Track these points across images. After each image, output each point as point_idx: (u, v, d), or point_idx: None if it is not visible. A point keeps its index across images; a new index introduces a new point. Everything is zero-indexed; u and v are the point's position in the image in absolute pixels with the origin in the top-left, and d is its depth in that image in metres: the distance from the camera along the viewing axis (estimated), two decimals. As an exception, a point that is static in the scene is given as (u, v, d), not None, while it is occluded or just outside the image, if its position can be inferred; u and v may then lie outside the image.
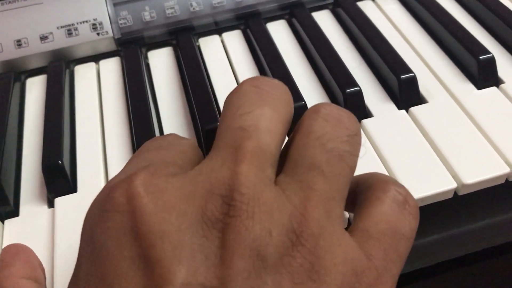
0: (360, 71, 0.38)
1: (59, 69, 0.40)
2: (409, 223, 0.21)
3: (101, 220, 0.18)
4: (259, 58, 0.40)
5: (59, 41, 0.41)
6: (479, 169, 0.30)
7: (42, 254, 0.28)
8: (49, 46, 0.41)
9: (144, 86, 0.37)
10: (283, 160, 0.21)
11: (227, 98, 0.22)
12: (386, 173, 0.30)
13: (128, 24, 0.42)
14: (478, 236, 0.32)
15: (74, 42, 0.41)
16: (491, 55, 0.36)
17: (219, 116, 0.34)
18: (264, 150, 0.19)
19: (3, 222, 0.31)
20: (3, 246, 0.29)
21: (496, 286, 0.38)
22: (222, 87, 0.38)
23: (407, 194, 0.21)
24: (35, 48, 0.41)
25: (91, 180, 0.32)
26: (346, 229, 0.20)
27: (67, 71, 0.41)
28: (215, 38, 0.43)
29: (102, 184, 0.32)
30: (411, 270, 0.31)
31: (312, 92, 0.37)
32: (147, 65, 0.42)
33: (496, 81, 0.36)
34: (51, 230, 0.30)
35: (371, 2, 0.45)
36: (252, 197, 0.18)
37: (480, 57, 0.36)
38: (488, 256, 0.34)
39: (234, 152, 0.19)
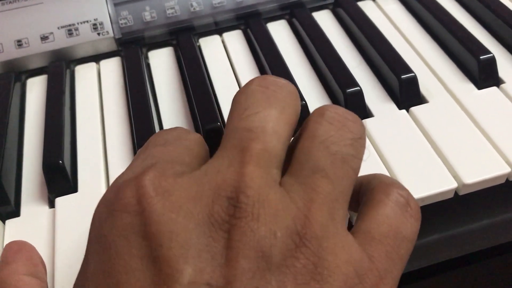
0: (360, 71, 0.38)
1: (59, 69, 0.40)
2: (411, 226, 0.21)
3: (110, 219, 0.19)
4: (259, 58, 0.40)
5: (60, 41, 0.41)
6: (479, 169, 0.30)
7: (42, 254, 0.28)
8: (49, 46, 0.41)
9: (144, 86, 0.37)
10: (288, 160, 0.21)
11: (234, 97, 0.22)
12: (387, 173, 0.30)
13: (128, 24, 0.42)
14: (479, 236, 0.32)
15: (74, 42, 0.41)
16: (491, 55, 0.36)
17: (220, 116, 0.34)
18: (270, 152, 0.20)
19: (4, 223, 0.31)
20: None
21: (496, 286, 0.38)
22: (223, 87, 0.38)
23: (409, 197, 0.22)
24: (35, 48, 0.41)
25: (91, 180, 0.32)
26: (348, 230, 0.20)
27: (68, 71, 0.41)
28: (215, 38, 0.43)
29: (102, 184, 0.32)
30: (411, 270, 0.31)
31: (312, 92, 0.37)
32: (148, 65, 0.42)
33: (496, 81, 0.36)
34: (52, 230, 0.30)
35: (372, 2, 0.45)
36: (257, 199, 0.18)
37: (481, 57, 0.36)
38: (488, 256, 0.34)
39: (240, 153, 0.19)
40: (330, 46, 0.39)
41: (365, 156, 0.22)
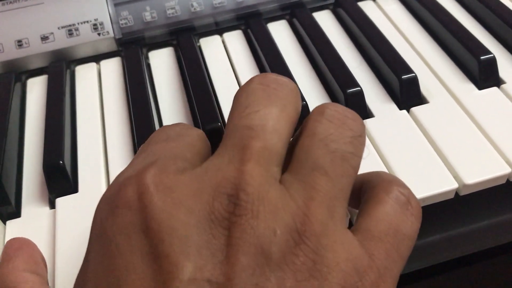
0: (360, 71, 0.38)
1: (60, 69, 0.40)
2: (411, 224, 0.21)
3: (111, 216, 0.19)
4: (260, 58, 0.40)
5: (60, 41, 0.41)
6: (480, 169, 0.30)
7: (43, 255, 0.28)
8: (50, 46, 0.41)
9: (145, 86, 0.37)
10: (288, 158, 0.21)
11: (235, 95, 0.22)
12: (387, 173, 0.30)
13: (129, 24, 0.42)
14: (479, 236, 0.32)
15: (75, 42, 0.41)
16: (492, 55, 0.36)
17: (220, 116, 0.34)
18: (270, 150, 0.20)
19: (4, 223, 0.31)
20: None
21: (496, 286, 0.38)
22: (223, 87, 0.38)
23: (410, 195, 0.22)
24: (36, 48, 0.41)
25: (92, 180, 0.32)
26: (349, 228, 0.20)
27: (68, 71, 0.41)
28: (216, 38, 0.43)
29: (103, 184, 0.32)
30: (412, 270, 0.31)
31: (313, 92, 0.37)
32: (148, 65, 0.42)
33: (497, 81, 0.36)
34: (52, 231, 0.30)
35: (372, 2, 0.45)
36: (257, 197, 0.18)
37: (481, 57, 0.36)
38: (489, 256, 0.34)
39: (241, 151, 0.19)
40: (330, 46, 0.39)
41: (364, 154, 0.22)
